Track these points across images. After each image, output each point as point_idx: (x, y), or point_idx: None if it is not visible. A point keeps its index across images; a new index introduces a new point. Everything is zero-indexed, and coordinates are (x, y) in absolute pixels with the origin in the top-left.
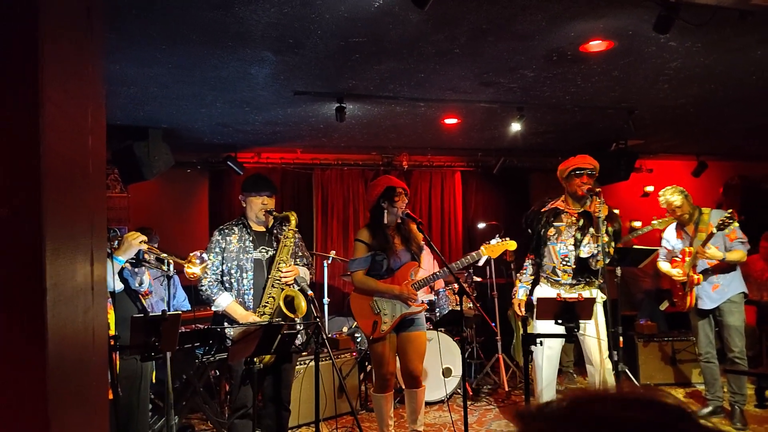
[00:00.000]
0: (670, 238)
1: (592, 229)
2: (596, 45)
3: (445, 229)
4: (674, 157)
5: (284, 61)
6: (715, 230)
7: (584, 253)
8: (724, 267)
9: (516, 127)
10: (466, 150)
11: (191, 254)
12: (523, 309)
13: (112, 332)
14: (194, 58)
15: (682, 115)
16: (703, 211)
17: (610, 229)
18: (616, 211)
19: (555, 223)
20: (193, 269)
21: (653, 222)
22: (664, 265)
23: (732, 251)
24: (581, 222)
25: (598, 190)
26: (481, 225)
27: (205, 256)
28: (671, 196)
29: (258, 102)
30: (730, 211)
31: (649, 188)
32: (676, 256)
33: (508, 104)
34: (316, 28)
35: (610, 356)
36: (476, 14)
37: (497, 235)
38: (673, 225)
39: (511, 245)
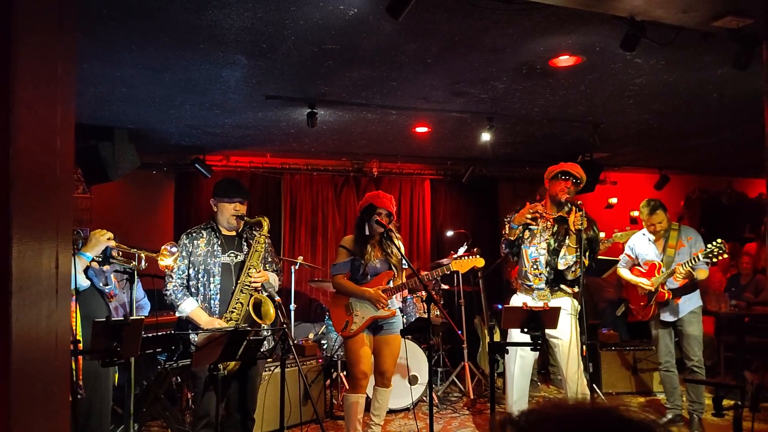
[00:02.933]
0: (636, 246)
1: (568, 241)
2: (565, 60)
3: (414, 237)
4: (638, 170)
5: (257, 65)
6: (701, 257)
7: (561, 264)
8: (688, 285)
9: (486, 137)
10: (436, 158)
11: (162, 247)
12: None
13: (78, 331)
14: (164, 60)
15: (645, 130)
16: (672, 227)
17: (584, 235)
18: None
19: (530, 226)
20: (165, 261)
21: (615, 235)
22: (624, 272)
23: (698, 270)
24: (555, 227)
25: (579, 203)
26: (450, 233)
27: (175, 249)
28: (653, 212)
29: (228, 105)
30: (720, 241)
31: (613, 200)
32: (639, 266)
33: (478, 114)
34: (289, 33)
35: (585, 368)
36: (449, 26)
37: (465, 244)
38: (641, 234)
39: (479, 262)
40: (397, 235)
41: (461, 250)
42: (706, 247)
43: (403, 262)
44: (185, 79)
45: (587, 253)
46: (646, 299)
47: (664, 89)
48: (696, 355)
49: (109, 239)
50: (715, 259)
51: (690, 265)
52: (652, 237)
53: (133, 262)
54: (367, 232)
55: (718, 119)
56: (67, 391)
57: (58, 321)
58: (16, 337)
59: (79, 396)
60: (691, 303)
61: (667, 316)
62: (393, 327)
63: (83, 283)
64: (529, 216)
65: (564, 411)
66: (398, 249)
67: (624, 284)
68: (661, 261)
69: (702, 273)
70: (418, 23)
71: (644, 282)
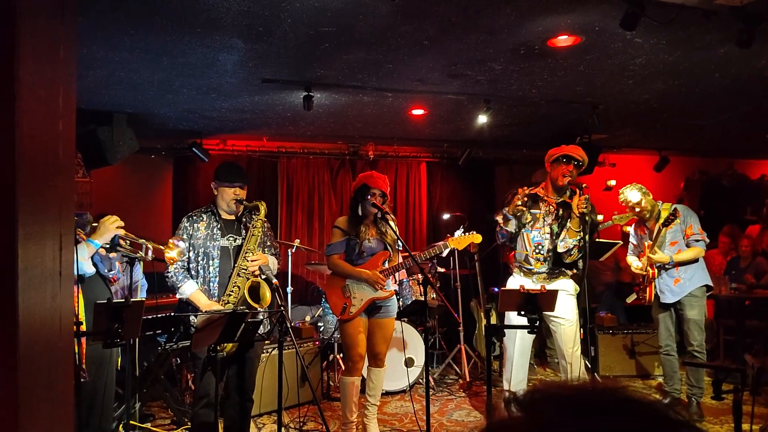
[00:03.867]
0: (634, 234)
1: (570, 224)
2: (563, 40)
3: (409, 220)
4: (637, 151)
5: (253, 48)
6: (661, 226)
7: (561, 247)
8: (688, 263)
9: (482, 119)
10: (432, 141)
11: (170, 240)
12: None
13: (81, 317)
14: (162, 44)
15: (645, 111)
16: (663, 207)
17: (587, 219)
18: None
19: (532, 210)
20: (171, 253)
21: (614, 217)
22: (631, 260)
23: (687, 250)
24: (560, 212)
25: (584, 185)
26: (446, 216)
27: (182, 244)
28: (629, 194)
29: (225, 89)
30: (673, 207)
31: (612, 182)
32: (643, 251)
33: (475, 96)
34: (286, 16)
35: (583, 351)
36: (445, 7)
37: (461, 227)
38: (637, 221)
39: (477, 238)
40: (392, 216)
41: (458, 233)
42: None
43: (398, 242)
44: (183, 63)
45: (586, 237)
46: (643, 282)
47: (665, 69)
48: (696, 339)
49: (118, 227)
50: (673, 225)
51: (684, 243)
52: (643, 221)
53: (140, 252)
54: (361, 213)
55: (720, 99)
56: (71, 374)
57: (62, 303)
58: (22, 318)
59: (82, 380)
60: (691, 284)
61: (666, 297)
62: (389, 310)
63: (89, 270)
64: (519, 203)
65: (570, 390)
66: (393, 229)
67: (625, 269)
68: (652, 241)
69: (690, 252)
70: (415, 4)
71: (636, 265)
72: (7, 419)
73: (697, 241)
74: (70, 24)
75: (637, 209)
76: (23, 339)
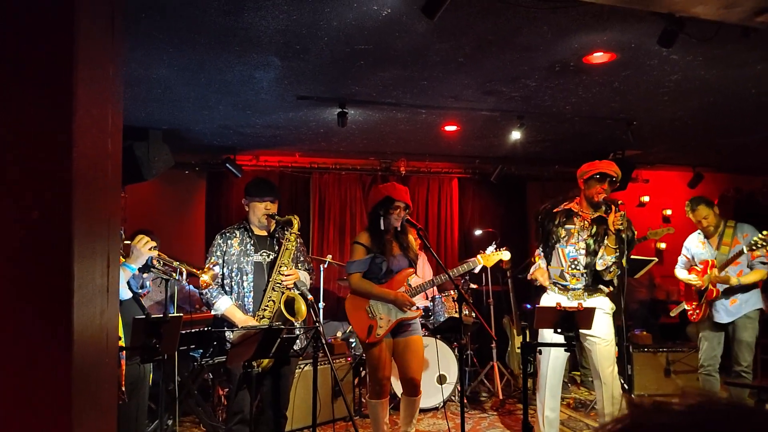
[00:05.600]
0: (692, 246)
1: (608, 241)
2: (599, 57)
3: (441, 236)
4: (671, 167)
5: (289, 66)
6: (745, 250)
7: (599, 265)
8: (746, 285)
9: (516, 135)
10: (464, 157)
11: (207, 265)
12: (546, 277)
13: (121, 337)
14: (200, 62)
15: (680, 127)
16: (728, 224)
17: (624, 236)
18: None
19: (567, 225)
20: (205, 277)
21: (649, 232)
22: (681, 273)
23: (751, 272)
24: (594, 228)
25: (620, 202)
26: (478, 232)
27: (217, 268)
28: (695, 208)
29: (261, 105)
30: (765, 232)
31: (645, 198)
32: (696, 265)
33: (508, 113)
34: (323, 34)
35: (620, 371)
36: (482, 25)
37: (493, 243)
38: (697, 233)
39: (505, 256)
40: (417, 224)
41: (489, 250)
42: (753, 239)
43: (426, 252)
44: (219, 81)
45: (624, 254)
46: (698, 299)
47: (701, 86)
48: (746, 360)
49: (151, 249)
50: (757, 251)
51: (747, 263)
52: (705, 236)
53: (175, 275)
54: (383, 227)
55: (756, 117)
56: (115, 389)
57: (109, 320)
58: (76, 335)
59: (120, 402)
60: (747, 305)
61: (720, 317)
62: (413, 328)
63: (126, 295)
64: (547, 283)
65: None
66: (419, 235)
67: (659, 287)
68: (715, 259)
69: (755, 274)
70: (451, 23)
71: (694, 279)
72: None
73: (763, 263)
74: (118, 44)
75: (705, 224)
76: (77, 355)
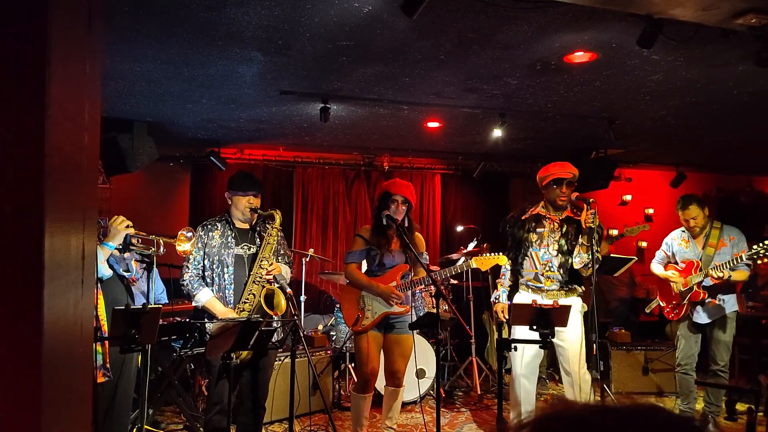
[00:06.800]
0: (673, 243)
1: (582, 239)
2: (580, 56)
3: (423, 232)
4: (654, 167)
5: (272, 61)
6: (744, 257)
7: (577, 263)
8: (727, 286)
9: (498, 132)
10: (447, 153)
11: (179, 232)
12: (506, 314)
13: (103, 317)
14: (183, 56)
15: (662, 126)
16: (714, 225)
17: (596, 233)
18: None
19: (537, 229)
20: (183, 246)
21: (626, 230)
22: (656, 268)
23: (737, 270)
24: (564, 228)
25: (592, 200)
26: (460, 228)
27: (190, 234)
28: (686, 207)
29: (244, 100)
30: (765, 243)
31: (627, 197)
32: (675, 263)
33: (490, 110)
34: (305, 30)
35: (588, 368)
36: (462, 23)
37: (475, 239)
38: (680, 231)
39: (502, 260)
40: (417, 226)
41: (471, 246)
42: (752, 247)
43: (424, 257)
44: (203, 75)
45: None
46: (678, 298)
47: (682, 86)
48: (723, 360)
49: (127, 227)
50: (759, 261)
51: (729, 266)
52: (690, 235)
53: (152, 248)
54: (385, 222)
55: (738, 116)
56: (89, 379)
57: (83, 310)
58: (47, 326)
59: (106, 378)
60: (727, 306)
61: (700, 318)
62: (405, 326)
63: (106, 272)
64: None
65: (581, 413)
66: (414, 244)
67: (639, 285)
68: (700, 260)
69: (740, 274)
70: (432, 20)
71: (675, 278)
72: (30, 422)
73: (748, 265)
74: (95, 40)
75: (692, 224)
76: (47, 346)
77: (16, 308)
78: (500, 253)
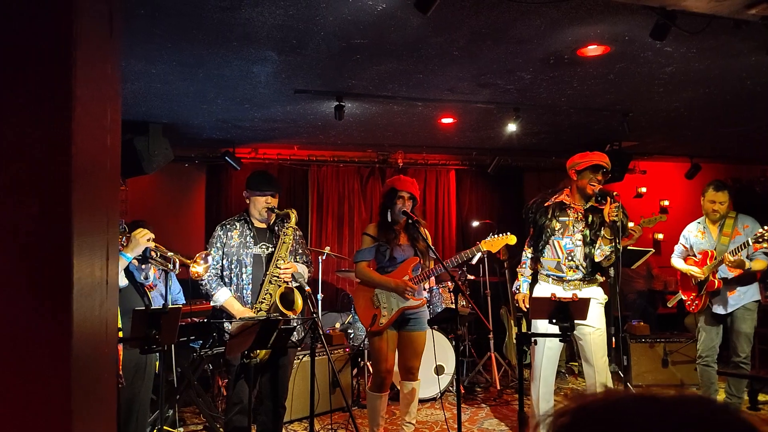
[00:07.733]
0: (690, 235)
1: (603, 232)
2: (593, 49)
3: (438, 227)
4: (668, 158)
5: (287, 60)
6: (750, 241)
7: (598, 256)
8: (745, 276)
9: (512, 127)
10: (461, 149)
11: (197, 255)
12: (527, 303)
13: (118, 325)
14: (198, 57)
15: (676, 118)
16: (729, 215)
17: (618, 226)
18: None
19: (561, 218)
20: (197, 268)
21: (642, 221)
22: (676, 262)
23: (755, 260)
24: (590, 218)
25: (615, 193)
26: (475, 223)
27: (210, 258)
28: (719, 189)
29: (258, 99)
30: (750, 221)
31: (642, 189)
32: (693, 255)
33: (504, 105)
34: (319, 29)
35: (616, 362)
36: (476, 19)
37: (491, 234)
38: (696, 223)
39: (511, 239)
40: (422, 221)
41: (491, 237)
42: (759, 232)
43: (430, 250)
44: (218, 75)
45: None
46: (697, 289)
47: (695, 77)
48: (744, 351)
49: (148, 240)
50: (765, 244)
51: (742, 252)
52: (707, 225)
53: (169, 265)
54: (390, 219)
55: (752, 107)
56: (114, 378)
57: (108, 311)
58: (75, 326)
59: (120, 386)
60: (746, 297)
61: (719, 309)
62: (419, 322)
63: (122, 282)
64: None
65: (605, 406)
66: (423, 237)
67: (657, 277)
68: (714, 249)
69: (759, 263)
70: (446, 17)
71: (695, 270)
72: (61, 422)
73: (765, 254)
74: (116, 43)
75: (716, 207)
76: (76, 346)
77: (48, 307)
78: (508, 233)
